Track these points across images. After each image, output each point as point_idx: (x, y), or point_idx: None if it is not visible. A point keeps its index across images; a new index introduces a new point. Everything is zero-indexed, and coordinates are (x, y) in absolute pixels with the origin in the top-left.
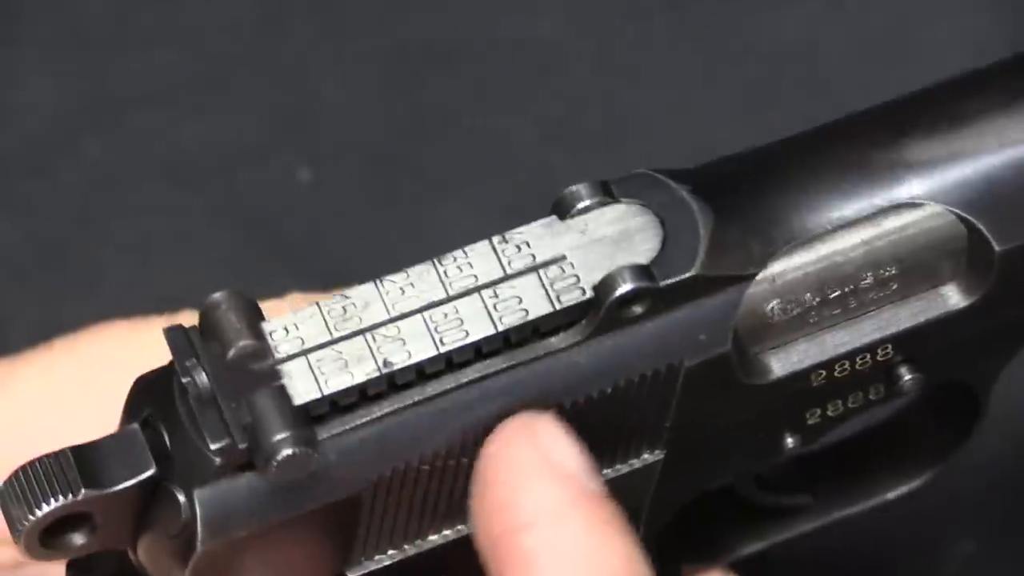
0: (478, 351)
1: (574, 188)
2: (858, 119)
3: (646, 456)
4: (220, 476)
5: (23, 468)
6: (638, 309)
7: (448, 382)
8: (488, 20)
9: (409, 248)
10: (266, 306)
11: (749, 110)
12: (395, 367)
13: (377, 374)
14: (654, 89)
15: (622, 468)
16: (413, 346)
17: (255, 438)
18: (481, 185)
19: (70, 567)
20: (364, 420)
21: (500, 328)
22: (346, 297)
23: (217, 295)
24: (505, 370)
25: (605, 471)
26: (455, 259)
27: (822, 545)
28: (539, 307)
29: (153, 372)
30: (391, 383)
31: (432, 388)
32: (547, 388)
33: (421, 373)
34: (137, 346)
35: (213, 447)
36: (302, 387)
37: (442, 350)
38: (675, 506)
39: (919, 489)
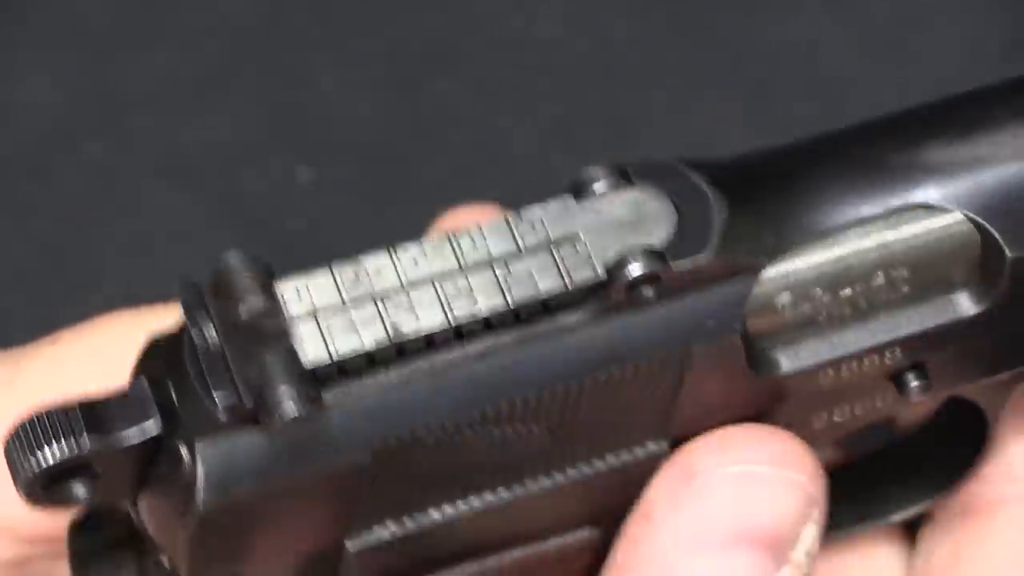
0: (487, 324)
1: (591, 170)
2: (878, 123)
3: (651, 446)
4: (224, 432)
5: (29, 418)
6: (648, 292)
7: (456, 353)
8: (488, 20)
9: None
10: None
11: (749, 110)
12: (404, 334)
13: (386, 341)
14: (654, 89)
15: (625, 456)
16: (423, 315)
17: (262, 397)
18: (481, 185)
19: (72, 530)
20: (371, 387)
21: (511, 302)
22: (359, 263)
23: (231, 255)
24: (514, 345)
25: (609, 458)
26: (470, 234)
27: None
28: (550, 284)
29: (165, 331)
30: (399, 351)
31: (440, 359)
32: (555, 366)
33: (430, 342)
34: (142, 336)
35: (220, 404)
36: (311, 350)
37: (452, 320)
38: None
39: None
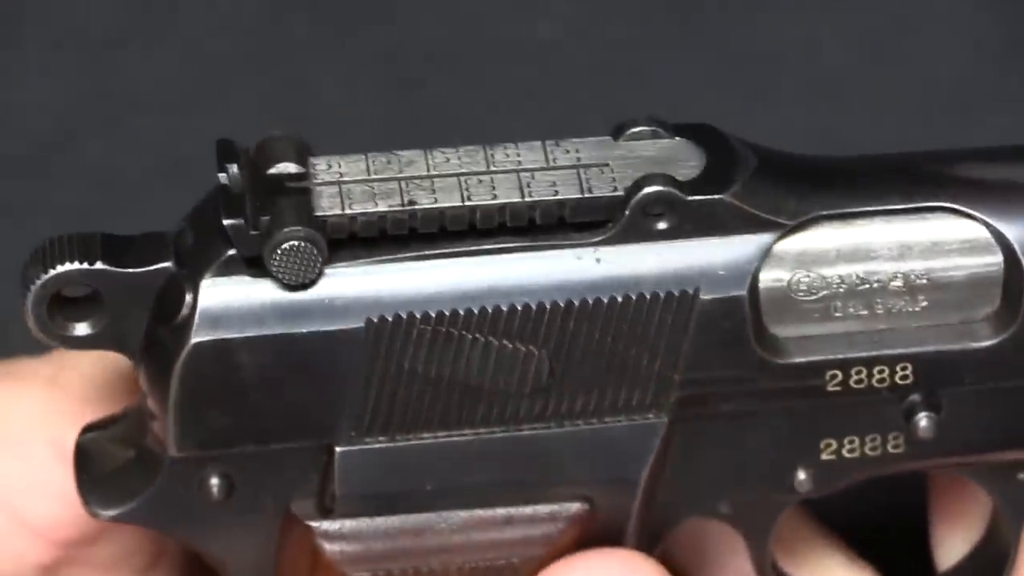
0: (503, 225)
1: (635, 118)
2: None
3: (651, 417)
4: (229, 271)
5: (51, 239)
6: (663, 224)
7: (468, 244)
8: (488, 21)
9: None
10: None
11: (749, 110)
12: (418, 206)
13: (399, 208)
14: (654, 89)
15: (625, 424)
16: (441, 195)
17: (268, 230)
18: None
19: (84, 429)
20: (378, 257)
21: (527, 198)
22: (394, 154)
23: (276, 132)
24: (525, 248)
25: (608, 421)
26: (505, 148)
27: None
28: (569, 191)
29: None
30: (412, 230)
31: (451, 247)
32: (562, 278)
33: (444, 230)
34: None
35: (226, 223)
36: (327, 204)
37: (467, 203)
38: (671, 519)
39: None
